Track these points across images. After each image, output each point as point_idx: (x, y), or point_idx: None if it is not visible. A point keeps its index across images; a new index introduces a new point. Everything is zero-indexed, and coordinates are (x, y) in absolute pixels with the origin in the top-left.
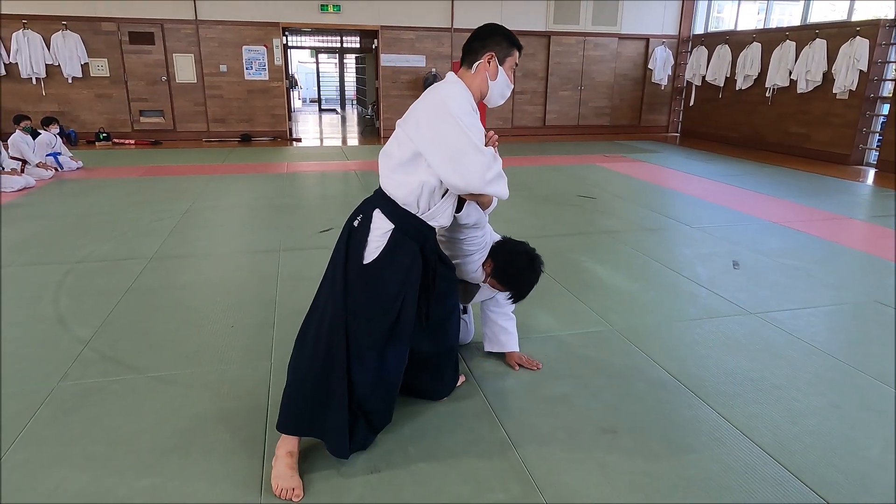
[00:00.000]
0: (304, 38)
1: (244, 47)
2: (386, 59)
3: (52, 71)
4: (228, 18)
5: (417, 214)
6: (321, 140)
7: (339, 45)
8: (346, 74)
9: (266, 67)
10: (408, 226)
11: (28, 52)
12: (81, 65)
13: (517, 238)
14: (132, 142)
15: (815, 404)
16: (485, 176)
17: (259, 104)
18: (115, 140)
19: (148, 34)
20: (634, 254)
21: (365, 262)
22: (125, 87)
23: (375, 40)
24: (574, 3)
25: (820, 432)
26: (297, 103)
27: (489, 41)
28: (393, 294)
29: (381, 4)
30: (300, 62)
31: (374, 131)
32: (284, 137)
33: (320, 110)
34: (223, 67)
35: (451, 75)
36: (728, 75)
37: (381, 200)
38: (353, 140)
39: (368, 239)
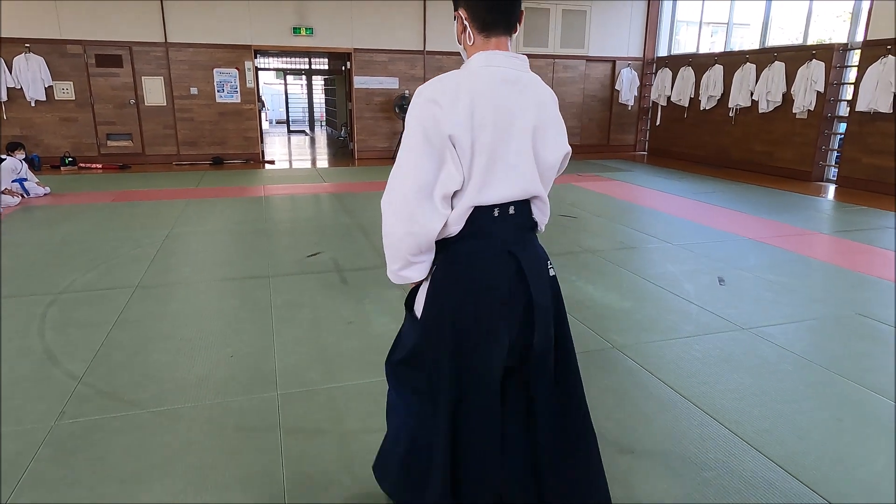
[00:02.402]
0: (270, 59)
1: (215, 70)
2: (359, 82)
3: (15, 94)
4: (199, 41)
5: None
6: (290, 162)
7: (307, 66)
8: (314, 96)
9: (238, 90)
10: None
11: None
12: (45, 88)
13: None
14: (99, 166)
15: (818, 418)
16: None
17: (231, 127)
18: (82, 164)
19: (115, 56)
20: (622, 272)
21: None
22: (91, 110)
23: (347, 62)
24: (542, 26)
25: (827, 445)
26: (265, 125)
27: None
28: None
29: (355, 27)
30: (266, 83)
31: (347, 153)
32: (257, 160)
33: (289, 132)
34: (194, 90)
35: (523, 59)
36: (692, 96)
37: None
38: (324, 162)
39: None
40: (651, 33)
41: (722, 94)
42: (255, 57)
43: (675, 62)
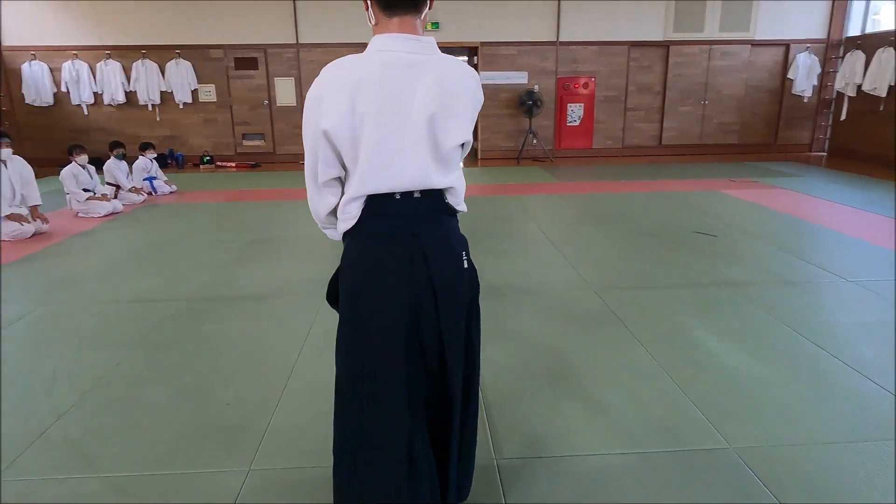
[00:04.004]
0: None
1: None
2: (485, 77)
3: (166, 97)
4: (328, 41)
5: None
6: None
7: None
8: None
9: None
10: None
11: (145, 80)
12: (191, 91)
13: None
14: (233, 165)
15: None
16: None
17: None
18: (218, 163)
19: (252, 59)
20: (767, 319)
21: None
22: (230, 111)
23: (474, 57)
24: (698, 7)
25: None
26: None
27: None
28: None
29: (482, 20)
30: None
31: (471, 152)
32: None
33: None
34: None
35: (429, 41)
36: (893, 83)
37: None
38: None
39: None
40: (839, 10)
41: None
42: None
43: (870, 43)
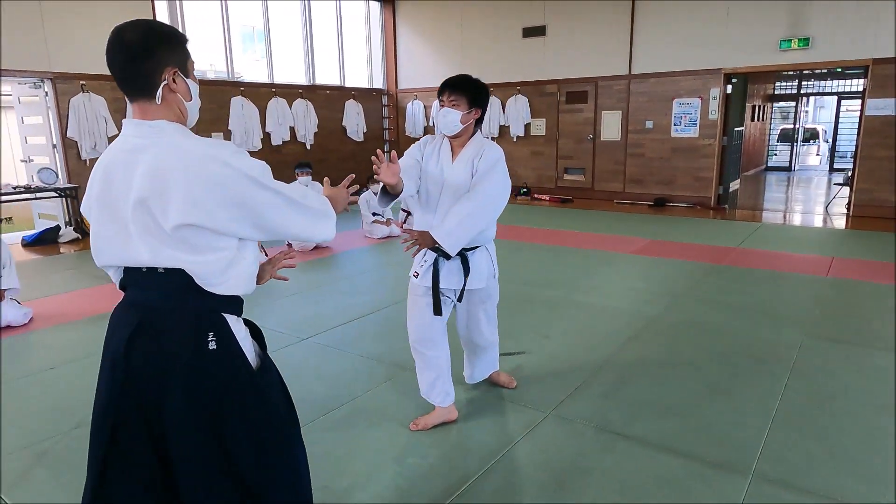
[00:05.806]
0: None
1: (675, 100)
2: (875, 105)
3: (503, 131)
4: (662, 69)
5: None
6: (772, 213)
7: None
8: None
9: (697, 122)
10: None
11: (489, 115)
12: (524, 125)
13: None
14: (547, 198)
15: None
16: None
17: (682, 164)
18: (535, 195)
19: (582, 93)
20: None
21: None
22: (555, 144)
23: (864, 79)
24: None
25: None
26: (814, 160)
27: (156, 54)
28: None
29: (877, 28)
30: (847, 111)
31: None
32: (707, 205)
33: (831, 170)
34: (649, 124)
35: (158, 126)
36: None
37: None
38: (804, 216)
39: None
40: None
41: None
42: (730, 82)
43: None
